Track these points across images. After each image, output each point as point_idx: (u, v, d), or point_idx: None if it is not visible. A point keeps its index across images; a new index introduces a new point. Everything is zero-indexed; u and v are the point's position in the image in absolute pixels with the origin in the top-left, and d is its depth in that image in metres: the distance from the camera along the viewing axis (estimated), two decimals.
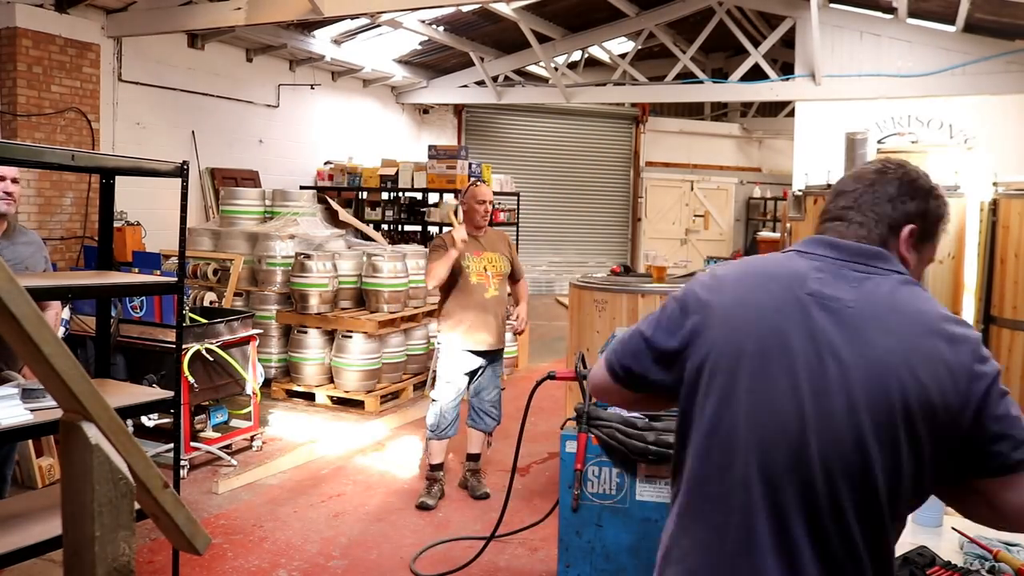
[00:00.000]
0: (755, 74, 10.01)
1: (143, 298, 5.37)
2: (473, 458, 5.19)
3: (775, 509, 1.38)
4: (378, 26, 9.73)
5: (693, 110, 15.23)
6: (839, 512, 1.36)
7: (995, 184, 4.94)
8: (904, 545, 2.39)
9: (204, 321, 5.49)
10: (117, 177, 3.42)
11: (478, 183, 4.99)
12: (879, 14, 9.25)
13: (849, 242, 1.52)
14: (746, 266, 1.58)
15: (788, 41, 9.97)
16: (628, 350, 1.63)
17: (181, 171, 3.25)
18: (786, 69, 10.49)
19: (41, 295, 2.66)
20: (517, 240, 9.70)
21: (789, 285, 1.46)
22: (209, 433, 5.52)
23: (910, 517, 2.78)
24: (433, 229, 10.73)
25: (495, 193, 10.50)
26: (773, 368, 1.41)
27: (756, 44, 9.99)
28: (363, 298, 7.39)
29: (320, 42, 10.01)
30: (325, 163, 10.83)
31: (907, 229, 1.59)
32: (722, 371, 1.45)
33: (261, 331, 6.20)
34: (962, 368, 1.38)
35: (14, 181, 3.28)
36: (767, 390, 1.41)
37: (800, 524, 1.37)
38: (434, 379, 7.60)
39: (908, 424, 1.35)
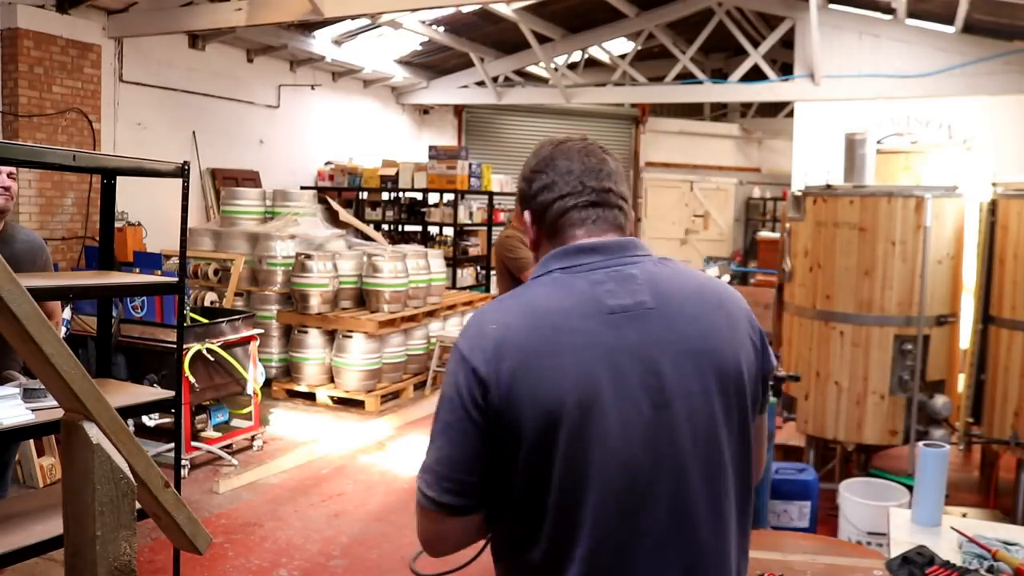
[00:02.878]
0: (755, 74, 10.01)
1: (144, 298, 5.37)
2: None
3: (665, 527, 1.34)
4: (378, 27, 9.73)
5: (693, 110, 15.23)
6: (715, 496, 1.37)
7: (994, 184, 4.94)
8: (903, 544, 2.40)
9: (205, 321, 5.50)
10: (118, 177, 3.43)
11: None
12: (878, 15, 9.25)
13: (613, 240, 1.43)
14: (530, 311, 1.36)
15: (787, 42, 9.97)
16: (447, 464, 1.35)
17: (182, 171, 3.26)
18: (785, 69, 10.49)
19: (42, 295, 2.67)
20: None
21: (588, 313, 1.33)
22: (210, 433, 5.53)
23: (909, 516, 2.79)
24: (433, 229, 10.75)
25: (494, 193, 10.56)
26: (609, 408, 1.30)
27: (756, 45, 9.99)
28: (363, 298, 7.40)
29: (320, 43, 10.01)
30: (326, 163, 10.84)
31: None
32: (553, 436, 1.29)
33: (262, 331, 6.21)
34: (752, 325, 1.46)
35: (10, 176, 3.21)
36: (619, 435, 1.30)
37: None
38: (435, 378, 7.64)
39: (739, 395, 1.40)
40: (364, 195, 10.84)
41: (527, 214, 1.49)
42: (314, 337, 7.09)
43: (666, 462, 1.32)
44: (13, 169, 3.24)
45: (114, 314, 4.68)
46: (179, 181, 3.28)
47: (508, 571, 1.46)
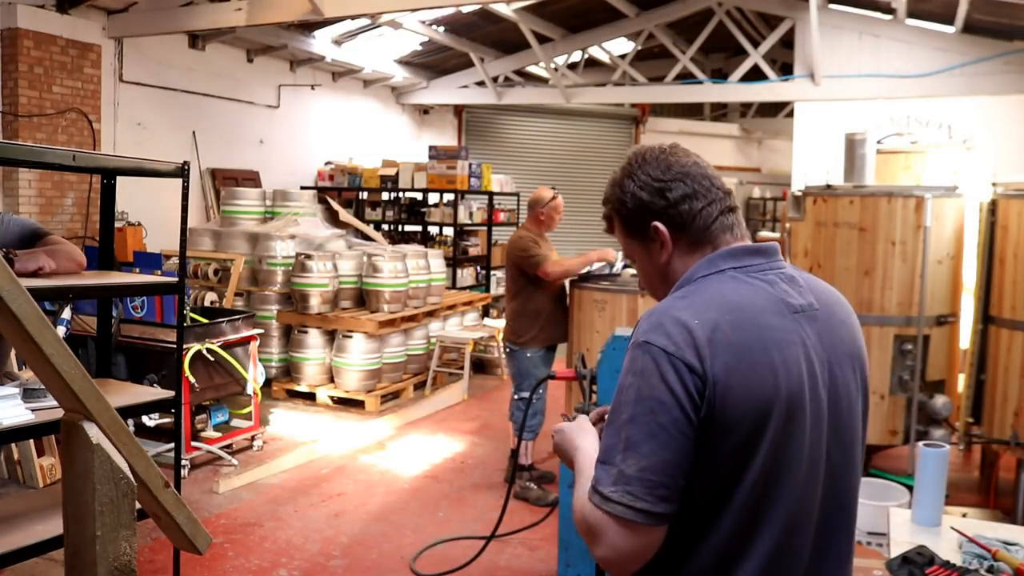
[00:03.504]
0: (755, 75, 10.01)
1: (144, 298, 5.37)
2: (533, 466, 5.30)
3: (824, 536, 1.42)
4: (378, 27, 9.73)
5: (693, 110, 15.23)
6: (850, 504, 1.46)
7: (994, 184, 4.94)
8: (903, 544, 2.40)
9: (205, 321, 5.50)
10: (118, 177, 3.43)
11: (558, 195, 5.37)
12: (878, 15, 9.25)
13: (765, 244, 1.48)
14: (729, 307, 1.35)
15: (787, 42, 9.97)
16: (661, 470, 1.26)
17: (182, 171, 3.26)
18: (785, 70, 10.49)
19: (42, 295, 2.67)
20: None
21: (780, 311, 1.37)
22: (210, 433, 5.53)
23: (909, 516, 2.79)
24: (433, 229, 10.75)
25: (494, 193, 10.56)
26: (807, 406, 1.35)
27: (756, 45, 9.99)
28: (363, 298, 7.40)
29: (320, 43, 10.01)
30: (326, 163, 10.84)
31: None
32: (763, 433, 1.30)
33: (262, 331, 6.21)
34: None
35: None
36: (810, 430, 1.35)
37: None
38: (435, 379, 7.64)
39: (867, 397, 1.50)
40: (364, 195, 10.84)
41: (660, 227, 1.44)
42: (314, 337, 7.09)
43: (835, 459, 1.39)
44: None
45: (114, 314, 4.68)
46: (179, 181, 3.28)
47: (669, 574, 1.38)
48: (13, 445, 4.50)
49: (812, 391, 1.35)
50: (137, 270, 5.44)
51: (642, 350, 1.31)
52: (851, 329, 1.47)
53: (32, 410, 2.70)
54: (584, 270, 5.20)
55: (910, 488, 3.51)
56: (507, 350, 5.30)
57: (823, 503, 1.39)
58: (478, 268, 10.78)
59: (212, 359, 5.36)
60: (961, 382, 5.11)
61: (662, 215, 1.44)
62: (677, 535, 1.33)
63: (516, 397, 5.18)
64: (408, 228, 10.84)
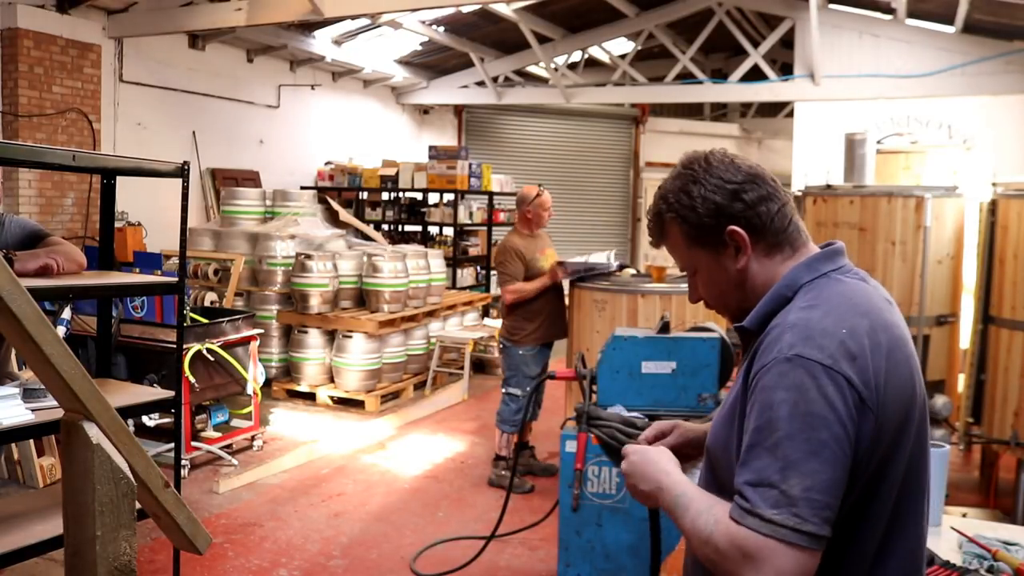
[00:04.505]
0: (754, 75, 10.01)
1: (144, 298, 5.37)
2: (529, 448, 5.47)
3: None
4: (378, 27, 9.73)
5: (693, 110, 15.23)
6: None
7: (994, 184, 4.94)
8: None
9: (205, 321, 5.50)
10: (118, 177, 3.42)
11: (543, 191, 5.43)
12: (878, 15, 9.25)
13: (838, 244, 1.49)
14: (860, 311, 1.33)
15: (787, 42, 9.97)
16: (826, 490, 1.20)
17: (182, 171, 3.26)
18: (785, 70, 10.49)
19: (42, 295, 2.67)
20: None
21: (888, 308, 1.41)
22: (210, 433, 5.53)
23: None
24: (433, 229, 10.75)
25: (494, 193, 10.56)
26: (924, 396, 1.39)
27: (755, 45, 9.99)
28: (363, 298, 7.40)
29: (320, 43, 10.01)
30: (326, 163, 10.84)
31: None
32: (907, 430, 1.32)
33: (262, 331, 6.21)
34: None
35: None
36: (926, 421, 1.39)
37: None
38: (435, 379, 7.64)
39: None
40: (364, 195, 10.83)
41: (739, 230, 1.39)
42: (314, 337, 7.09)
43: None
44: None
45: (114, 314, 4.68)
46: (179, 181, 3.28)
47: None
48: (13, 445, 4.50)
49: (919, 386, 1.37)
50: (137, 270, 5.44)
51: (792, 364, 1.24)
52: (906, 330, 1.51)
53: (32, 410, 2.70)
54: (577, 270, 5.19)
55: None
56: (500, 346, 5.35)
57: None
58: (478, 268, 10.78)
59: (212, 359, 5.35)
60: (961, 382, 5.11)
61: (739, 218, 1.38)
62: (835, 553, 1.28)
63: (504, 392, 5.24)
64: (408, 228, 10.84)
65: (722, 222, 1.39)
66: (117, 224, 4.13)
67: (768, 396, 1.25)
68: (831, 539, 1.23)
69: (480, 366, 8.49)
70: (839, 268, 1.40)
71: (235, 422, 5.86)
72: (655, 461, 1.45)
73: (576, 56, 11.51)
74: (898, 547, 1.32)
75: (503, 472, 5.16)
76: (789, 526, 1.18)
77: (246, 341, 5.70)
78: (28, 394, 2.76)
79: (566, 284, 5.34)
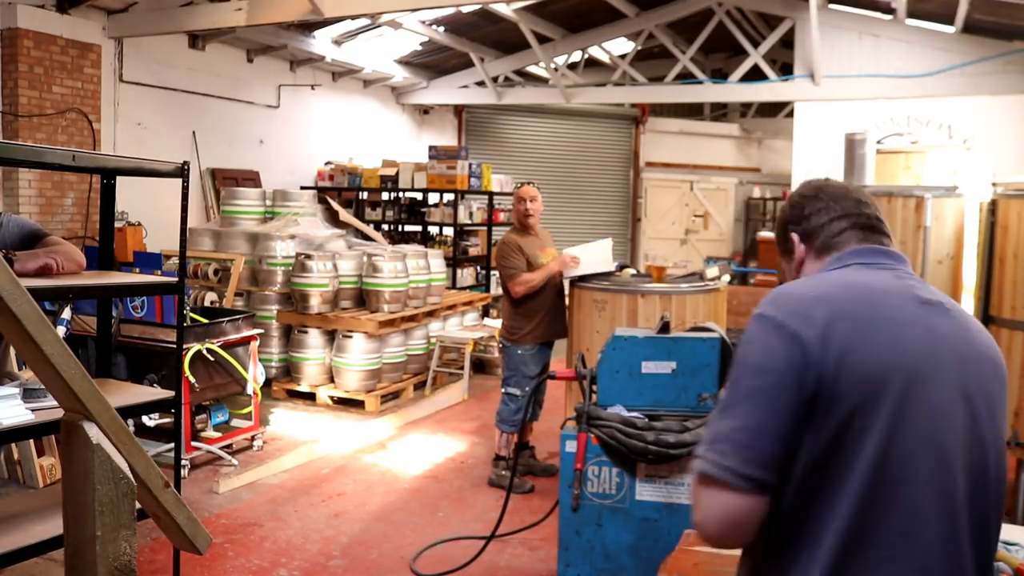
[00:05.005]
0: (754, 75, 10.01)
1: (144, 298, 5.37)
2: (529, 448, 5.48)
3: (969, 533, 1.35)
4: (378, 27, 9.73)
5: (693, 110, 15.23)
6: (995, 510, 1.42)
7: (994, 184, 4.94)
8: None
9: (205, 321, 5.50)
10: (118, 177, 3.43)
11: (527, 183, 5.49)
12: (878, 15, 9.25)
13: (897, 252, 1.55)
14: (848, 285, 1.41)
15: (787, 42, 9.97)
16: (753, 431, 1.27)
17: (182, 171, 3.26)
18: (785, 69, 10.49)
19: (42, 295, 2.67)
20: None
21: (907, 297, 1.40)
22: (210, 433, 5.53)
23: None
24: (433, 229, 10.75)
25: (494, 193, 10.56)
26: (931, 387, 1.33)
27: (756, 45, 9.99)
28: (363, 298, 7.40)
29: (320, 43, 10.01)
30: (326, 163, 10.84)
31: None
32: (878, 403, 1.29)
33: (262, 331, 6.21)
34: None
35: None
36: (937, 412, 1.32)
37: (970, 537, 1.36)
38: (435, 378, 7.64)
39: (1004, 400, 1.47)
40: (364, 195, 10.83)
41: (795, 236, 1.61)
42: (314, 337, 7.09)
43: (975, 457, 1.35)
44: None
45: (114, 314, 4.68)
46: (179, 181, 3.28)
47: (769, 561, 1.36)
48: (13, 445, 4.50)
49: (940, 375, 1.33)
50: (137, 270, 5.44)
51: (754, 321, 1.38)
52: (988, 336, 1.47)
53: (32, 410, 2.70)
54: (583, 271, 5.19)
55: None
56: (500, 345, 5.35)
57: (966, 498, 1.34)
58: (478, 268, 10.78)
59: (212, 359, 5.35)
60: None
61: (797, 225, 1.61)
62: (798, 521, 1.31)
63: (504, 391, 5.24)
64: (408, 228, 10.84)
65: (788, 229, 1.64)
66: (117, 224, 4.13)
67: (737, 351, 1.41)
68: (810, 510, 1.28)
69: (480, 366, 8.50)
70: (870, 263, 1.49)
71: (235, 422, 5.86)
72: None
73: (576, 56, 11.51)
74: (880, 534, 1.29)
75: (503, 472, 5.16)
76: (710, 459, 1.28)
77: (246, 341, 5.70)
78: (28, 394, 2.76)
79: (566, 283, 5.34)
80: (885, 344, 1.31)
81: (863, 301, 1.36)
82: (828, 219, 1.57)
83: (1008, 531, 2.54)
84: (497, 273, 5.81)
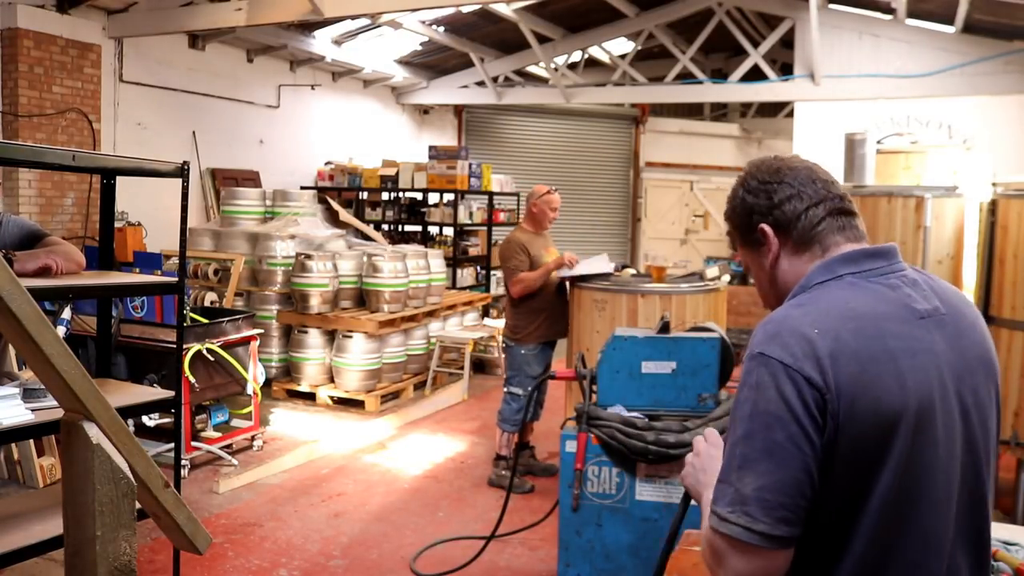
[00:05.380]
0: (755, 74, 10.01)
1: (144, 298, 5.37)
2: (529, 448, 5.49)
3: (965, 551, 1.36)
4: (378, 27, 9.73)
5: (693, 110, 15.23)
6: (988, 519, 1.41)
7: (994, 184, 4.94)
8: None
9: (205, 321, 5.50)
10: (118, 177, 3.43)
11: (554, 191, 5.48)
12: (878, 15, 9.25)
13: (884, 245, 1.43)
14: (848, 315, 1.31)
15: (787, 42, 9.97)
16: (779, 489, 1.20)
17: (182, 172, 3.26)
18: (785, 69, 10.49)
19: (42, 295, 2.67)
20: None
21: (904, 317, 1.32)
22: (210, 433, 5.53)
23: None
24: (433, 229, 10.75)
25: (494, 193, 10.56)
26: (936, 419, 1.29)
27: (756, 45, 9.99)
28: (363, 298, 7.40)
29: (320, 43, 10.01)
30: (326, 163, 10.84)
31: None
32: (889, 444, 1.25)
33: (262, 331, 6.21)
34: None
35: None
36: (943, 442, 1.30)
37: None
38: (435, 378, 7.65)
39: (998, 398, 1.44)
40: (364, 195, 10.83)
41: (766, 229, 1.44)
42: (314, 337, 7.09)
43: (969, 472, 1.34)
44: None
45: (114, 314, 4.68)
46: (179, 181, 3.28)
47: None
48: (13, 445, 4.50)
49: (943, 402, 1.29)
50: (137, 270, 5.44)
51: (757, 362, 1.26)
52: (980, 332, 1.42)
53: (32, 410, 2.70)
54: (577, 272, 5.19)
55: None
56: (503, 345, 5.37)
57: (959, 518, 1.33)
58: (478, 268, 10.78)
59: (212, 359, 5.35)
60: None
61: (767, 215, 1.44)
62: (808, 559, 1.27)
63: (506, 391, 5.26)
64: (408, 228, 10.84)
65: (754, 220, 1.46)
66: (117, 224, 4.13)
67: (738, 392, 1.30)
68: (822, 550, 1.25)
69: (480, 366, 8.50)
70: (862, 271, 1.37)
71: (235, 422, 5.86)
72: (699, 475, 1.50)
73: (576, 56, 11.51)
74: (896, 561, 1.28)
75: (503, 472, 5.17)
76: (741, 524, 1.21)
77: (246, 341, 5.70)
78: (28, 394, 2.76)
79: (567, 282, 5.34)
80: (893, 384, 1.25)
81: (867, 334, 1.27)
82: (804, 207, 1.42)
83: (1008, 531, 2.54)
84: (500, 272, 5.83)
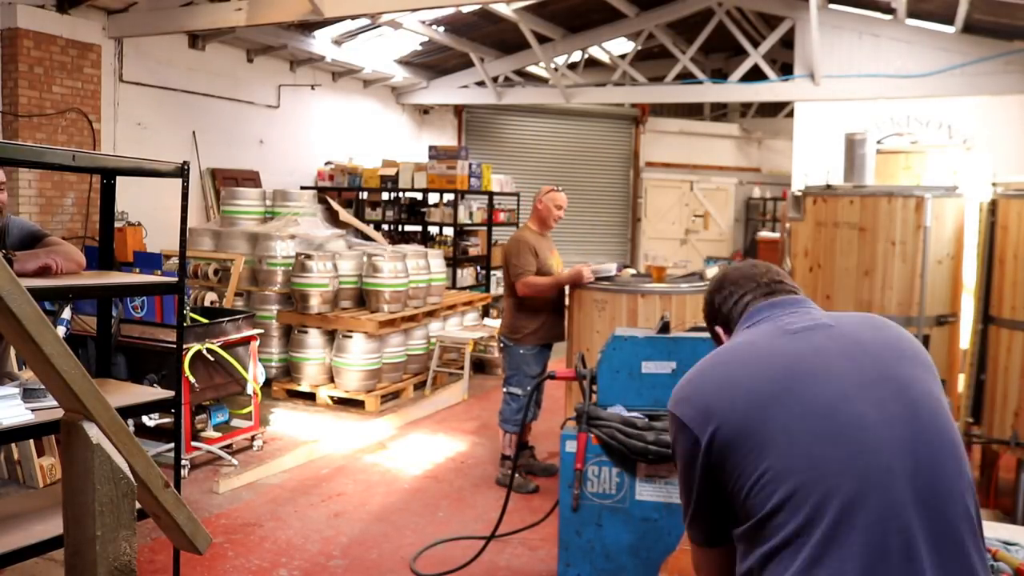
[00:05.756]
0: (754, 75, 10.01)
1: (144, 298, 5.37)
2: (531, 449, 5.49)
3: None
4: (378, 27, 9.74)
5: (693, 110, 15.23)
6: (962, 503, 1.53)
7: (994, 184, 4.94)
8: None
9: (205, 321, 5.50)
10: (118, 177, 3.43)
11: (559, 189, 5.43)
12: (878, 15, 9.25)
13: (784, 298, 1.71)
14: (722, 351, 1.66)
15: (787, 42, 9.97)
16: (699, 512, 1.61)
17: (182, 171, 3.26)
18: (785, 69, 10.49)
19: (42, 295, 2.67)
20: None
21: (773, 336, 1.60)
22: (210, 433, 5.53)
23: None
24: (433, 229, 10.75)
25: (494, 193, 10.56)
26: (802, 394, 1.50)
27: (755, 45, 9.99)
28: (363, 298, 7.40)
29: (320, 43, 10.01)
30: (325, 163, 10.84)
31: None
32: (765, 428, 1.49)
33: (262, 331, 6.21)
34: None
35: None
36: (849, 436, 1.45)
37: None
38: (435, 379, 7.65)
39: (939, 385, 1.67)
40: (364, 195, 10.83)
41: (719, 331, 1.80)
42: (314, 337, 7.09)
43: (920, 458, 1.46)
44: (3, 177, 3.22)
45: (114, 314, 4.68)
46: (179, 181, 3.28)
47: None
48: (13, 445, 4.50)
49: (804, 385, 1.49)
50: (137, 270, 5.44)
51: (670, 416, 1.62)
52: (889, 333, 1.63)
53: (32, 410, 2.70)
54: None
55: None
56: (501, 345, 5.36)
57: (919, 505, 1.41)
58: (478, 268, 10.78)
59: (212, 359, 5.35)
60: (961, 382, 5.11)
61: (715, 321, 1.82)
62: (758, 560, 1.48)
63: (505, 391, 5.26)
64: (408, 228, 10.84)
65: (714, 329, 1.84)
66: (117, 224, 4.13)
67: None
68: (761, 551, 1.45)
69: (480, 366, 8.50)
70: (757, 321, 1.67)
71: (235, 422, 5.86)
72: None
73: (576, 56, 11.51)
74: (833, 556, 1.38)
75: (509, 472, 5.16)
76: (691, 533, 1.66)
77: (246, 341, 5.70)
78: (28, 394, 2.76)
79: (566, 287, 5.36)
80: (749, 392, 1.50)
81: (728, 360, 1.60)
82: (734, 301, 1.75)
83: (1008, 531, 2.54)
84: (501, 271, 5.81)
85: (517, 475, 5.07)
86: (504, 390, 5.26)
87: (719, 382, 1.55)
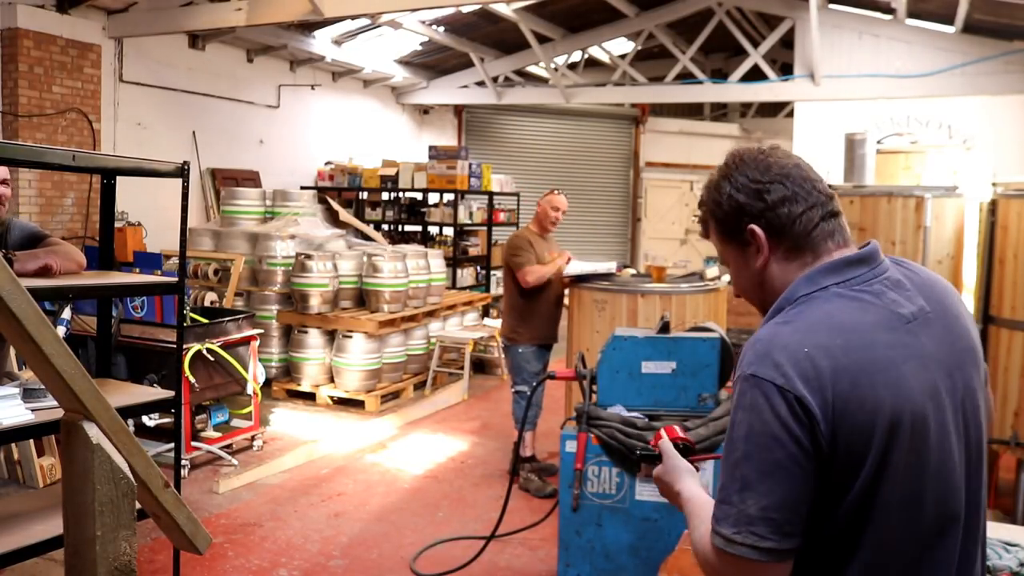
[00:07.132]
0: (754, 75, 10.01)
1: (144, 298, 5.37)
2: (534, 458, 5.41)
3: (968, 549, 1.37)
4: (378, 27, 9.73)
5: (693, 110, 15.23)
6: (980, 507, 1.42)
7: (994, 184, 4.94)
8: None
9: (205, 321, 5.50)
10: (118, 177, 3.43)
11: (559, 192, 5.51)
12: (878, 15, 9.25)
13: (865, 249, 1.39)
14: (837, 329, 1.29)
15: (787, 42, 9.97)
16: (782, 507, 1.23)
17: (182, 172, 3.26)
18: (785, 69, 10.49)
19: (42, 295, 2.67)
20: None
21: (891, 325, 1.31)
22: (210, 433, 5.53)
23: None
24: (433, 229, 10.75)
25: (494, 193, 10.56)
26: (932, 424, 1.30)
27: (755, 45, 9.99)
28: (363, 298, 7.40)
29: (320, 43, 10.01)
30: (325, 163, 10.84)
31: None
32: (890, 447, 1.26)
33: (262, 331, 6.21)
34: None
35: (3, 183, 3.18)
36: (936, 447, 1.30)
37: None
38: (435, 379, 7.65)
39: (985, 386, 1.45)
40: (364, 195, 10.84)
41: (758, 232, 1.39)
42: (314, 337, 7.09)
43: (966, 467, 1.34)
44: (7, 175, 3.23)
45: (114, 314, 4.68)
46: (179, 181, 3.28)
47: None
48: (13, 445, 4.50)
49: (936, 404, 1.29)
50: (137, 270, 5.44)
51: (750, 384, 1.26)
52: (965, 321, 1.42)
53: (32, 410, 2.70)
54: (581, 271, 5.22)
55: None
56: (502, 345, 5.42)
57: (968, 506, 1.36)
58: (478, 268, 10.78)
59: (212, 359, 5.35)
60: None
61: (759, 218, 1.38)
62: (817, 568, 1.30)
63: (514, 391, 5.34)
64: (408, 228, 10.84)
65: (744, 220, 1.39)
66: (117, 224, 4.13)
67: (732, 414, 1.30)
68: (828, 556, 1.29)
69: (480, 366, 8.50)
70: (846, 280, 1.34)
71: (235, 422, 5.86)
72: (669, 482, 1.60)
73: (576, 56, 11.51)
74: (902, 560, 1.31)
75: (530, 476, 5.17)
76: (748, 544, 1.23)
77: (246, 341, 5.70)
78: (28, 394, 2.76)
79: (566, 289, 5.39)
80: (885, 396, 1.25)
81: (856, 348, 1.26)
82: (799, 212, 1.37)
83: (1008, 531, 2.54)
84: (502, 270, 5.83)
85: (536, 478, 5.11)
86: (512, 390, 5.36)
87: (852, 369, 1.25)
